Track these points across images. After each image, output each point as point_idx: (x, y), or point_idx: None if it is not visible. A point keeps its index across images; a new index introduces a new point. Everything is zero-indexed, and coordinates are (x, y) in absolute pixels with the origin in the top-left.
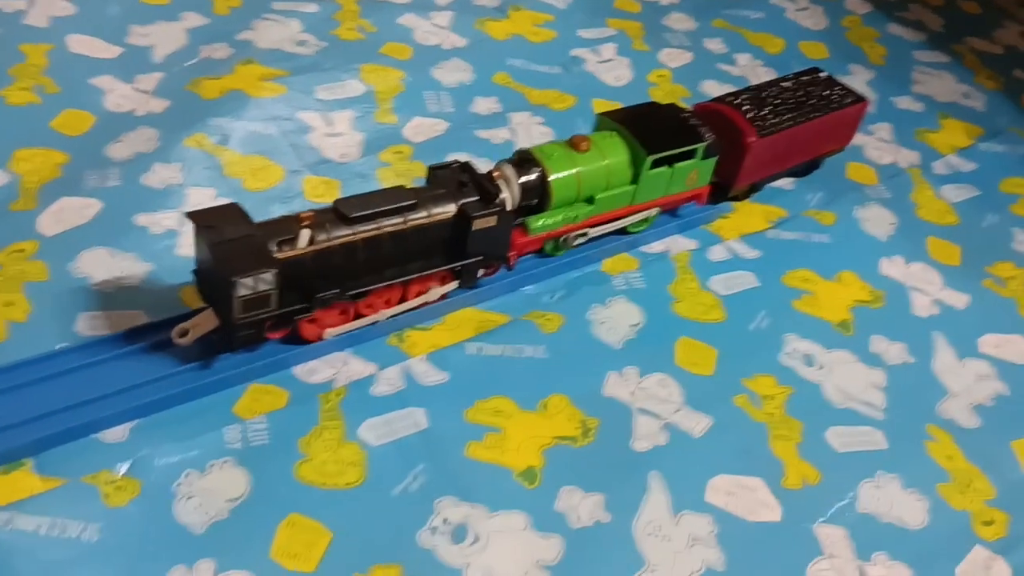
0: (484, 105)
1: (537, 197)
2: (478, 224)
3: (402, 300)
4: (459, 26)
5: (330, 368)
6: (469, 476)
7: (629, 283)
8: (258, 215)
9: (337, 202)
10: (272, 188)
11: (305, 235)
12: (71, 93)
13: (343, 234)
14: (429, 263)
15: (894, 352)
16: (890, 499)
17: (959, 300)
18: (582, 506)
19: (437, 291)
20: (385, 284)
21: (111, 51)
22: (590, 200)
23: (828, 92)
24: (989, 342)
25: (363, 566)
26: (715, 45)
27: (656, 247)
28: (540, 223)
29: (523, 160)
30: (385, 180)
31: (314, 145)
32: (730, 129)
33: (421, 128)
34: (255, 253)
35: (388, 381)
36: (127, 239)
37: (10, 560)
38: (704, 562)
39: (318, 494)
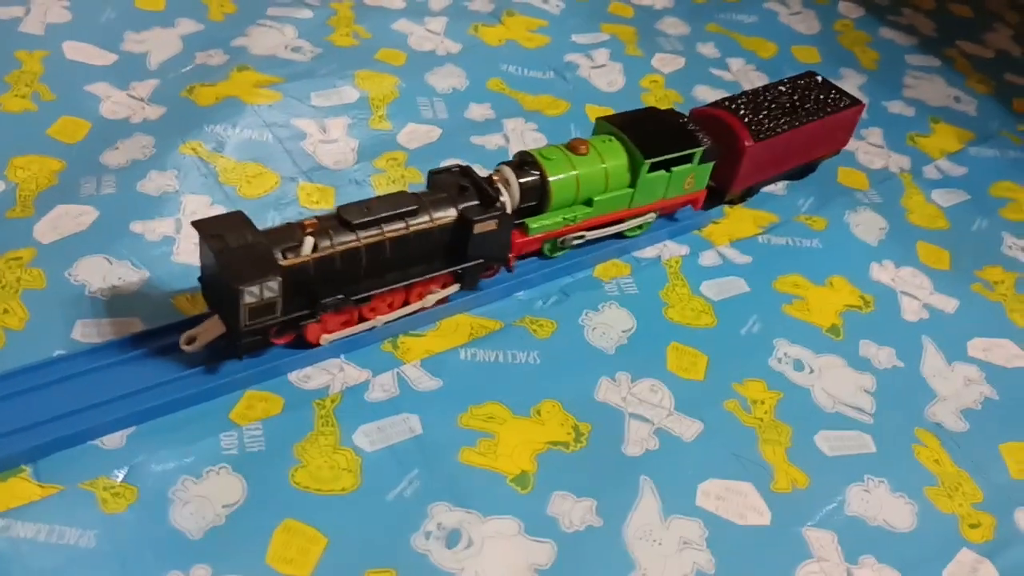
0: (478, 111)
1: (536, 199)
2: (479, 228)
3: (405, 304)
4: (453, 32)
5: (325, 375)
6: (462, 481)
7: (621, 289)
8: (254, 222)
9: (340, 208)
10: (267, 195)
11: (309, 242)
12: (67, 100)
13: (346, 240)
14: (431, 267)
15: (883, 356)
16: (878, 503)
17: (948, 304)
18: (574, 511)
19: (432, 297)
20: (388, 288)
21: (106, 58)
22: (588, 202)
23: (824, 96)
24: (977, 346)
25: (358, 571)
26: (708, 50)
27: (648, 253)
28: (539, 224)
29: (523, 162)
30: (380, 186)
31: (309, 152)
32: (727, 133)
33: (415, 134)
34: (260, 261)
35: (382, 387)
36: (123, 246)
37: (7, 567)
38: (694, 566)
39: (313, 500)
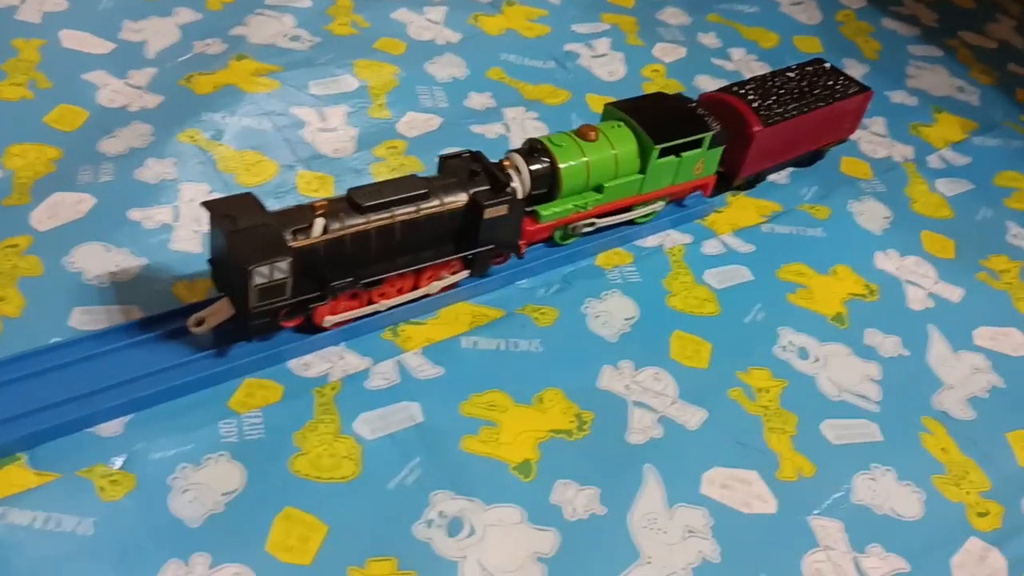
0: (478, 100)
1: (547, 186)
2: (489, 213)
3: (415, 288)
4: (453, 21)
5: (325, 362)
6: (464, 470)
7: (624, 277)
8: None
9: (351, 191)
10: (266, 183)
11: (319, 224)
12: (64, 88)
13: (356, 223)
14: (441, 252)
15: (889, 345)
16: (885, 491)
17: (953, 293)
18: (577, 499)
19: (439, 284)
20: (398, 272)
21: (104, 46)
22: (599, 189)
23: (833, 82)
24: (984, 335)
25: (359, 559)
26: (709, 40)
27: (651, 241)
28: (550, 211)
29: (533, 149)
30: (379, 175)
31: (308, 140)
32: (735, 119)
33: (415, 123)
34: (270, 242)
35: (383, 375)
36: (121, 234)
37: (4, 554)
38: (700, 555)
39: (313, 488)
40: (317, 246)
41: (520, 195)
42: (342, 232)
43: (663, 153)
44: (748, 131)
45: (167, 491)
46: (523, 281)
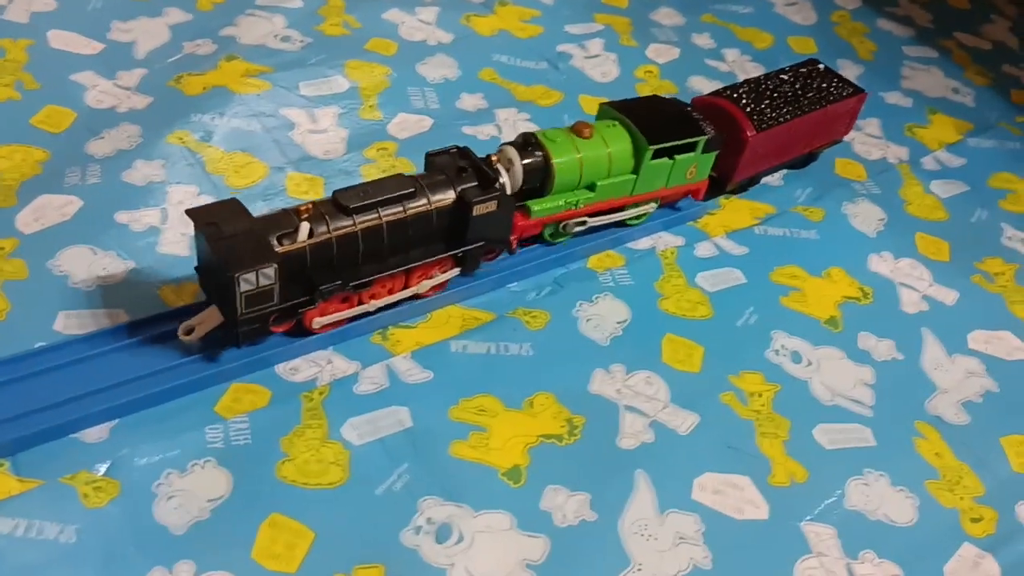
0: (470, 101)
1: (539, 180)
2: (478, 209)
3: (405, 288)
4: (445, 22)
5: (313, 366)
6: (453, 475)
7: (616, 280)
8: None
9: (336, 193)
10: (255, 185)
11: (305, 228)
12: (52, 89)
13: (343, 225)
14: (430, 251)
15: (883, 349)
16: (878, 496)
17: (948, 296)
18: (567, 505)
19: (429, 283)
20: (387, 274)
21: (93, 47)
22: (591, 187)
23: (826, 84)
24: (978, 338)
25: (346, 566)
26: (703, 40)
27: (643, 243)
28: (541, 207)
29: (527, 143)
30: (369, 176)
31: (298, 142)
32: (728, 123)
33: (406, 124)
34: (256, 248)
35: (371, 379)
36: (107, 237)
37: None
38: (691, 561)
39: (300, 494)
40: (304, 250)
41: (510, 190)
42: (328, 235)
43: (657, 154)
44: (741, 136)
45: (152, 498)
46: (514, 284)
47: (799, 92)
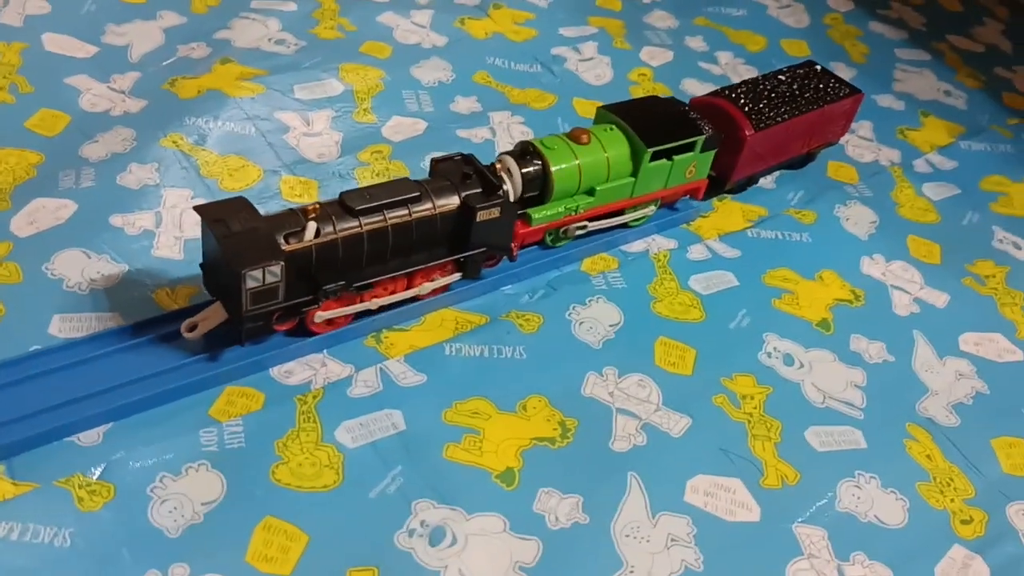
0: (464, 104)
1: (539, 188)
2: (482, 215)
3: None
4: (439, 24)
5: (307, 370)
6: (447, 478)
7: (609, 283)
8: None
9: (343, 194)
10: (249, 188)
11: (312, 227)
12: (46, 92)
13: (349, 226)
14: (433, 255)
15: (874, 351)
16: (869, 498)
17: (939, 299)
18: (560, 507)
19: (431, 285)
20: (390, 276)
21: (87, 50)
22: (591, 192)
23: (823, 85)
24: (969, 340)
25: (340, 569)
26: (696, 43)
27: (636, 247)
28: (541, 214)
29: (525, 152)
30: (363, 180)
31: (292, 145)
32: (727, 123)
33: (400, 127)
34: (263, 246)
35: (365, 382)
36: (102, 240)
37: None
38: (682, 563)
39: (294, 497)
40: (309, 250)
41: (512, 198)
42: (334, 235)
43: (655, 156)
44: (740, 135)
45: (146, 501)
46: (508, 287)
47: (797, 92)
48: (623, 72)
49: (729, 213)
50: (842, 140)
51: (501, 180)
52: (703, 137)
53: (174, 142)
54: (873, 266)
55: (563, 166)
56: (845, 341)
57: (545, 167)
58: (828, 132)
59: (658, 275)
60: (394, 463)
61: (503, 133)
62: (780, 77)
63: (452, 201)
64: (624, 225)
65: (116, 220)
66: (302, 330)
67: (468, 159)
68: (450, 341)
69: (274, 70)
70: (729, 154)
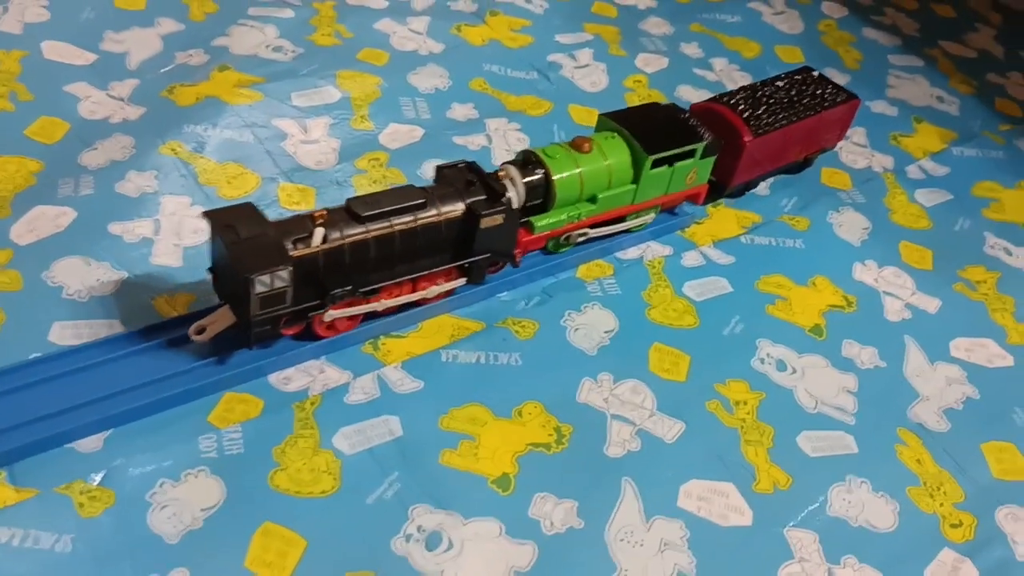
0: (460, 111)
1: (541, 197)
2: (486, 222)
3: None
4: (436, 31)
5: (305, 376)
6: (443, 484)
7: (604, 289)
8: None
9: (349, 201)
10: (247, 195)
11: (319, 233)
12: (45, 100)
13: (356, 232)
14: (438, 260)
15: (866, 356)
16: (860, 503)
17: (931, 304)
18: (555, 512)
19: (436, 289)
20: (396, 281)
21: (86, 57)
22: (592, 199)
23: (820, 91)
24: (960, 346)
25: (337, 574)
26: (691, 50)
27: (631, 253)
28: (544, 223)
29: (527, 161)
30: (361, 187)
31: (290, 152)
32: (726, 129)
33: (397, 135)
34: (271, 251)
35: (363, 389)
36: (101, 248)
37: None
38: (675, 567)
39: (292, 503)
40: (317, 255)
41: (515, 205)
42: (341, 241)
43: (656, 163)
44: (739, 141)
45: (146, 507)
46: (504, 294)
47: (795, 98)
48: (619, 79)
49: (724, 219)
50: (837, 146)
51: (504, 187)
52: (703, 143)
53: (173, 150)
54: (865, 272)
55: (565, 175)
56: (837, 347)
57: (547, 176)
58: (825, 138)
59: (653, 282)
60: (391, 469)
61: (499, 140)
62: (778, 83)
63: (457, 207)
64: (625, 230)
65: (115, 228)
66: (307, 334)
67: (472, 166)
68: (447, 348)
69: (272, 77)
70: (729, 160)
